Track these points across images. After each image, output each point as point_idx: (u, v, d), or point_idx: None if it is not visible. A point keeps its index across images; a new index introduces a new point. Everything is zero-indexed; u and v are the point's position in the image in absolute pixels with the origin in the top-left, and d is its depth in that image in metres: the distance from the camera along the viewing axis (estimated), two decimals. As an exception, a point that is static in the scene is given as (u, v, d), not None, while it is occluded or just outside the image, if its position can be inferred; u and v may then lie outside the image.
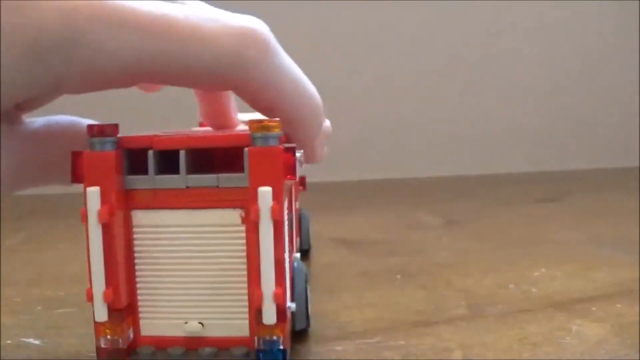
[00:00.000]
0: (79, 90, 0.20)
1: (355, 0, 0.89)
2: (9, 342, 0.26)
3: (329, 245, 0.46)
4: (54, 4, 0.18)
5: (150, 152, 0.21)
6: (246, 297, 0.21)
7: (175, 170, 0.21)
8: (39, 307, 0.31)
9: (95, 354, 0.22)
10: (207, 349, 0.21)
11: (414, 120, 0.94)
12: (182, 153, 0.21)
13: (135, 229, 0.21)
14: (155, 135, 0.21)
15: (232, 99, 0.27)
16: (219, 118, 0.27)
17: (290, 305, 0.22)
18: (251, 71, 0.21)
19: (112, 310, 0.20)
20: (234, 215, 0.21)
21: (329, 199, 0.71)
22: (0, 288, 0.35)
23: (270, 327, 0.20)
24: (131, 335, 0.22)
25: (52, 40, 0.18)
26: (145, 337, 0.22)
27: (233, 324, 0.21)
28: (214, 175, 0.21)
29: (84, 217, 0.20)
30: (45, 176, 0.22)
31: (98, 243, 0.20)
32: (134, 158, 0.21)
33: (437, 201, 0.70)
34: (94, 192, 0.20)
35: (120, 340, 0.21)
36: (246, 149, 0.20)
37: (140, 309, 0.22)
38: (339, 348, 0.25)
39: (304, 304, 0.24)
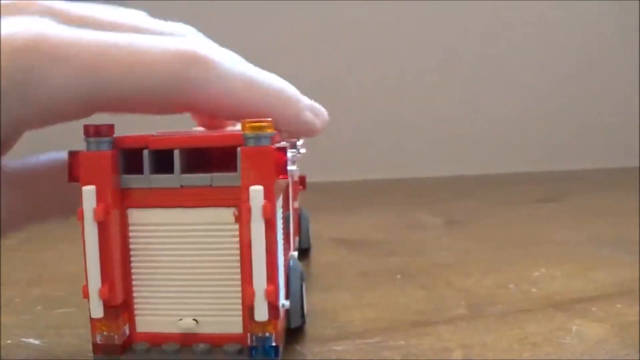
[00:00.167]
0: (39, 126, 0.20)
1: (356, 1, 0.89)
2: (9, 342, 0.26)
3: (329, 245, 0.46)
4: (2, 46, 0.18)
5: (145, 152, 0.21)
6: (239, 295, 0.21)
7: (171, 170, 0.21)
8: (39, 307, 0.31)
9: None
10: (201, 346, 0.22)
11: (414, 120, 0.94)
12: (176, 153, 0.21)
13: (130, 227, 0.22)
14: (151, 136, 0.22)
15: None
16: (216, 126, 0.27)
17: (284, 302, 0.22)
18: (198, 90, 0.21)
19: (107, 307, 0.21)
20: (227, 214, 0.21)
21: (329, 199, 0.71)
22: (0, 288, 0.35)
23: (262, 324, 0.21)
24: (127, 332, 0.22)
25: (7, 82, 0.18)
26: (140, 333, 0.22)
27: (227, 320, 0.22)
28: (208, 175, 0.21)
29: (80, 216, 0.20)
30: (35, 216, 0.23)
31: (94, 241, 0.20)
32: (131, 158, 0.22)
33: (437, 201, 0.70)
34: (89, 191, 0.20)
35: (116, 337, 0.21)
36: (239, 149, 0.21)
37: (135, 306, 0.22)
38: (339, 348, 0.25)
39: (299, 301, 0.25)
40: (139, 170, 0.21)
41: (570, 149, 0.99)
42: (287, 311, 0.24)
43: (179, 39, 0.22)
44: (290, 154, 0.21)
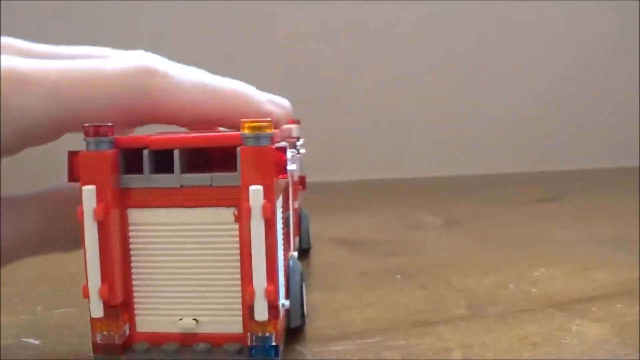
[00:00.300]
0: (15, 149, 0.22)
1: (356, 1, 0.89)
2: (9, 342, 0.26)
3: (329, 245, 0.46)
4: None
5: (145, 152, 0.21)
6: (239, 294, 0.21)
7: (170, 170, 0.21)
8: (39, 307, 0.31)
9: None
10: (201, 345, 0.22)
11: (414, 120, 0.94)
12: (176, 153, 0.21)
13: (130, 227, 0.22)
14: (150, 136, 0.22)
15: None
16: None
17: (284, 302, 0.22)
18: (156, 97, 0.22)
19: (107, 306, 0.21)
20: (227, 214, 0.21)
21: (329, 199, 0.71)
22: (0, 288, 0.35)
23: (262, 323, 0.21)
24: (127, 332, 0.22)
25: None
26: (140, 333, 0.22)
27: (226, 320, 0.22)
28: (208, 175, 0.21)
29: (80, 215, 0.20)
30: (36, 248, 0.24)
31: (94, 240, 0.20)
32: (130, 157, 0.22)
33: (437, 201, 0.70)
34: (89, 191, 0.20)
35: (116, 336, 0.21)
36: (238, 148, 0.21)
37: (135, 306, 0.22)
38: (339, 348, 0.25)
39: (299, 301, 0.25)
40: (139, 170, 0.21)
41: (570, 149, 0.99)
42: (287, 311, 0.24)
43: (134, 57, 0.23)
44: (290, 153, 0.21)
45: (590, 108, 1.00)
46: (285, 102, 0.27)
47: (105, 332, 0.21)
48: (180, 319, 0.22)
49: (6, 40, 0.23)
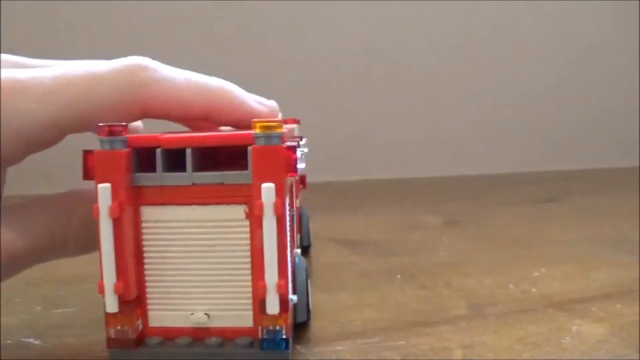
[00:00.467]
0: (19, 156, 0.23)
1: (355, 0, 0.89)
2: (9, 342, 0.26)
3: (329, 245, 0.46)
4: None
5: (158, 151, 0.22)
6: (250, 289, 0.22)
7: (181, 168, 0.22)
8: (39, 307, 0.31)
9: (95, 353, 0.23)
10: (213, 339, 0.22)
11: (414, 121, 0.94)
12: (188, 151, 0.22)
13: (143, 224, 0.22)
14: (163, 135, 0.22)
15: None
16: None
17: (292, 297, 0.23)
18: (147, 90, 0.23)
19: (122, 301, 0.21)
20: (238, 211, 0.22)
21: (329, 199, 0.71)
22: (0, 288, 0.35)
23: (273, 317, 0.21)
24: (140, 326, 0.22)
25: None
26: (152, 328, 0.23)
27: (237, 314, 0.22)
28: (219, 173, 0.22)
29: (96, 213, 0.20)
30: (44, 255, 0.24)
31: (109, 237, 0.21)
32: (141, 156, 0.22)
33: (437, 201, 0.70)
34: (105, 189, 0.21)
35: (130, 331, 0.22)
36: (250, 147, 0.21)
37: (148, 301, 0.23)
38: (339, 348, 0.25)
39: (304, 297, 0.25)
40: (149, 169, 0.22)
41: (570, 149, 0.99)
42: (294, 306, 0.25)
43: (125, 58, 0.24)
44: (299, 152, 0.22)
45: (591, 108, 1.00)
46: (271, 102, 0.28)
47: (119, 327, 0.22)
48: (192, 314, 0.22)
49: (4, 56, 0.24)
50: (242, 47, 0.85)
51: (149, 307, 0.23)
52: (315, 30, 0.89)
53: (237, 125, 0.26)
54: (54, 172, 0.73)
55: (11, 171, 0.24)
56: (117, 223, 0.21)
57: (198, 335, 0.22)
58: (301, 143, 0.29)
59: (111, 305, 0.21)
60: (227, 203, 0.22)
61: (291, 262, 0.24)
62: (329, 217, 0.56)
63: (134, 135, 0.22)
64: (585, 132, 1.00)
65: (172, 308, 0.23)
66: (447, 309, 0.30)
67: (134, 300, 0.22)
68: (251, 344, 0.22)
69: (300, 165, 0.22)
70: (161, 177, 0.22)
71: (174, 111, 0.24)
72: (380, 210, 0.64)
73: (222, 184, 0.22)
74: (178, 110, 0.24)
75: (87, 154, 0.21)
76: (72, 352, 0.25)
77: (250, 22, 0.86)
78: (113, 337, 0.22)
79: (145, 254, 0.22)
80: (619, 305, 0.30)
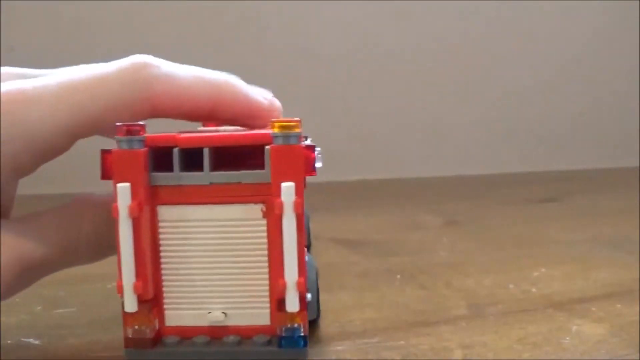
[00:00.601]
0: (31, 165, 0.23)
1: (355, 0, 0.89)
2: (9, 342, 0.26)
3: (329, 245, 0.46)
4: None
5: (176, 150, 0.22)
6: (267, 288, 0.22)
7: (195, 167, 0.22)
8: (39, 307, 0.31)
9: (95, 353, 0.23)
10: (231, 337, 0.22)
11: (414, 120, 0.94)
12: (206, 151, 0.22)
13: (160, 224, 0.22)
14: (180, 134, 0.22)
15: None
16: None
17: (307, 295, 0.22)
18: (154, 86, 0.23)
19: (140, 301, 0.21)
20: (255, 210, 0.22)
21: (329, 199, 0.71)
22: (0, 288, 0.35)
23: (292, 314, 0.22)
24: (157, 326, 0.22)
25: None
26: (169, 327, 0.23)
27: (254, 313, 0.23)
28: (237, 172, 0.22)
29: (115, 212, 0.21)
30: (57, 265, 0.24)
31: (129, 237, 0.21)
32: (157, 155, 0.22)
33: (437, 201, 0.70)
34: (125, 188, 0.21)
35: (147, 330, 0.22)
36: (267, 147, 0.21)
37: (165, 300, 0.23)
38: (339, 348, 0.25)
39: (315, 295, 0.25)
40: (165, 168, 0.22)
41: (570, 149, 0.99)
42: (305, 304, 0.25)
43: (127, 57, 0.24)
44: (316, 151, 0.22)
45: (591, 108, 1.00)
46: (273, 99, 0.27)
47: (136, 327, 0.22)
48: (209, 313, 0.23)
49: (4, 69, 0.24)
50: (241, 46, 0.85)
51: (165, 306, 0.23)
52: (315, 30, 0.89)
53: (240, 121, 0.26)
54: (54, 172, 0.73)
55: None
56: (136, 222, 0.21)
57: (215, 334, 0.23)
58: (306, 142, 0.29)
59: (130, 304, 0.21)
60: (244, 202, 0.22)
61: None
62: (329, 217, 0.56)
63: (152, 135, 0.22)
64: (585, 131, 1.00)
65: (189, 307, 0.23)
66: (447, 309, 0.30)
67: (151, 300, 0.22)
68: (269, 342, 0.22)
69: (318, 165, 0.22)
70: (178, 177, 0.22)
71: (182, 107, 0.24)
72: (380, 210, 0.64)
73: (239, 183, 0.22)
74: (185, 106, 0.24)
75: (105, 153, 0.21)
76: (72, 352, 0.25)
77: (250, 21, 0.86)
78: (130, 336, 0.22)
79: (162, 254, 0.22)
80: (619, 305, 0.30)
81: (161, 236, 0.22)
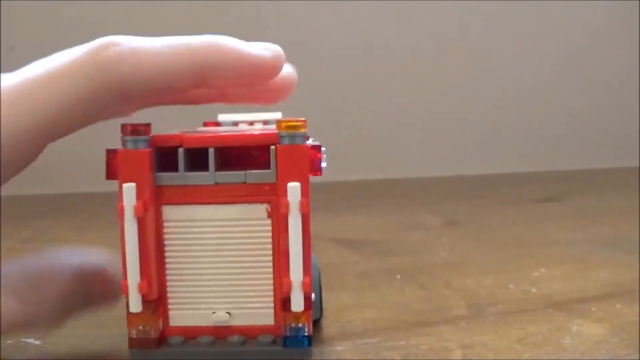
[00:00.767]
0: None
1: (355, 0, 0.89)
2: (9, 342, 0.26)
3: (329, 245, 0.46)
4: None
5: (181, 150, 0.22)
6: (271, 287, 0.22)
7: (199, 167, 0.22)
8: (39, 307, 0.31)
9: (95, 353, 0.23)
10: (236, 337, 0.22)
11: (414, 120, 0.94)
12: (211, 151, 0.22)
13: (165, 224, 0.22)
14: (184, 134, 0.22)
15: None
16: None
17: (312, 295, 0.23)
18: (116, 66, 0.20)
19: (144, 301, 0.21)
20: (260, 210, 0.22)
21: (329, 199, 0.71)
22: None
23: (296, 314, 0.22)
24: (161, 326, 0.23)
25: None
26: (173, 327, 0.23)
27: (259, 312, 0.23)
28: (242, 172, 0.22)
29: (121, 212, 0.21)
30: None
31: (134, 237, 0.21)
32: (161, 155, 0.22)
33: (437, 201, 0.70)
34: (130, 188, 0.21)
35: (152, 331, 0.22)
36: (272, 147, 0.21)
37: (169, 301, 0.23)
38: (339, 348, 0.25)
39: (318, 295, 0.25)
40: (170, 168, 0.22)
41: (570, 149, 0.99)
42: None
43: (89, 42, 0.21)
44: (322, 151, 0.22)
45: (591, 108, 1.00)
46: (275, 47, 0.24)
47: (141, 327, 0.22)
48: (214, 313, 0.23)
49: None
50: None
51: (170, 306, 0.23)
52: (315, 30, 0.89)
53: (240, 83, 0.23)
54: (54, 172, 0.73)
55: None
56: (141, 223, 0.21)
57: (219, 334, 0.23)
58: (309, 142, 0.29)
59: (135, 305, 0.21)
60: (249, 202, 0.22)
61: None
62: (329, 217, 0.56)
63: (157, 134, 0.22)
64: (585, 131, 1.00)
65: (193, 307, 0.23)
66: (447, 309, 0.30)
67: (155, 300, 0.22)
68: (273, 342, 0.22)
69: (323, 165, 0.22)
70: (184, 177, 0.22)
71: (159, 83, 0.21)
72: (380, 210, 0.64)
73: (244, 183, 0.22)
74: (161, 82, 0.21)
75: (110, 153, 0.21)
76: (72, 352, 0.25)
77: (249, 21, 0.86)
78: (135, 337, 0.22)
79: (166, 254, 0.22)
80: (619, 305, 0.30)
81: (166, 236, 0.22)
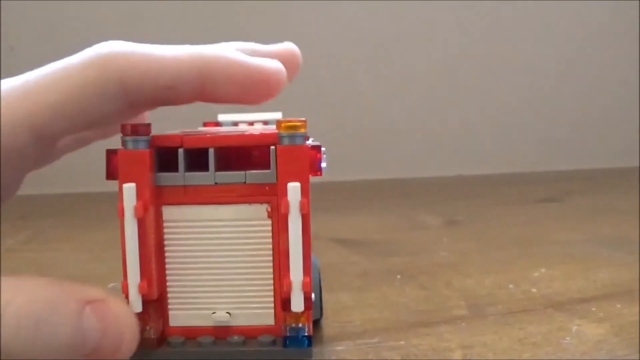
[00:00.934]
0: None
1: (355, 0, 0.89)
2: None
3: (329, 246, 0.46)
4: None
5: (181, 150, 0.22)
6: (271, 288, 0.22)
7: (200, 167, 0.22)
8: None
9: None
10: (236, 337, 0.22)
11: (414, 121, 0.94)
12: (211, 151, 0.22)
13: (165, 224, 0.22)
14: (185, 134, 0.22)
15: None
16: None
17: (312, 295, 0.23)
18: (120, 60, 0.21)
19: (144, 301, 0.21)
20: (260, 210, 0.22)
21: (329, 199, 0.71)
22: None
23: (296, 314, 0.22)
24: (161, 326, 0.23)
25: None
26: (173, 327, 0.23)
27: (259, 313, 0.23)
28: (242, 172, 0.22)
29: (121, 213, 0.21)
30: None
31: (134, 237, 0.21)
32: (160, 155, 0.22)
33: (437, 201, 0.70)
34: (130, 188, 0.21)
35: (152, 331, 0.22)
36: (272, 147, 0.21)
37: (169, 301, 0.23)
38: (339, 348, 0.25)
39: (318, 295, 0.26)
40: (169, 168, 0.22)
41: (570, 149, 0.99)
42: None
43: (89, 51, 0.21)
44: (323, 151, 0.22)
45: (591, 108, 1.00)
46: (278, 63, 0.23)
47: (141, 327, 0.22)
48: (214, 313, 0.23)
49: None
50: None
51: (170, 306, 0.23)
52: (314, 30, 0.89)
53: (242, 95, 0.23)
54: (54, 172, 0.73)
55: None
56: (141, 223, 0.21)
57: (219, 334, 0.23)
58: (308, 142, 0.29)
59: (135, 305, 0.21)
60: (249, 202, 0.22)
61: None
62: (329, 217, 0.56)
63: (157, 134, 0.22)
64: (585, 131, 1.00)
65: (193, 307, 0.23)
66: (447, 309, 0.30)
67: (155, 300, 0.22)
68: (274, 342, 0.22)
69: (324, 165, 0.22)
70: (183, 177, 0.22)
71: (160, 80, 0.21)
72: (381, 210, 0.64)
73: (244, 183, 0.22)
74: (164, 78, 0.21)
75: (110, 153, 0.21)
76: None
77: (248, 21, 0.86)
78: None
79: (166, 254, 0.23)
80: (619, 305, 0.30)
81: (166, 236, 0.22)
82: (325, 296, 0.32)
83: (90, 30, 0.80)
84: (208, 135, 0.22)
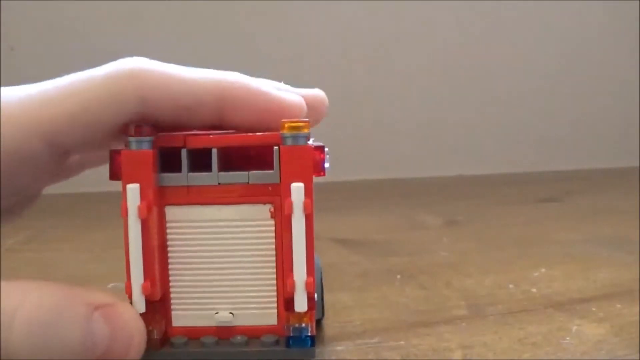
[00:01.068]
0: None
1: (355, 0, 0.89)
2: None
3: (329, 246, 0.46)
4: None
5: (184, 151, 0.22)
6: (274, 288, 0.22)
7: (203, 168, 0.22)
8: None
9: None
10: (239, 338, 0.22)
11: (414, 121, 0.94)
12: (214, 151, 0.22)
13: (168, 224, 0.22)
14: (188, 135, 0.22)
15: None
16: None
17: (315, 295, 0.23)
18: (142, 75, 0.21)
19: (148, 302, 0.21)
20: (263, 210, 0.22)
21: (329, 199, 0.71)
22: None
23: (300, 314, 0.22)
24: (164, 326, 0.23)
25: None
26: (176, 327, 0.23)
27: (262, 313, 0.23)
28: (245, 172, 0.22)
29: (124, 213, 0.21)
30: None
31: (137, 238, 0.21)
32: (163, 156, 0.22)
33: (437, 201, 0.70)
34: (134, 189, 0.21)
35: (155, 331, 0.22)
36: (276, 147, 0.21)
37: (172, 301, 0.23)
38: (339, 348, 0.25)
39: (320, 295, 0.26)
40: (172, 169, 0.22)
41: (570, 149, 0.99)
42: None
43: (113, 64, 0.21)
44: (326, 152, 0.22)
45: (591, 108, 1.00)
46: (294, 94, 0.24)
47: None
48: (217, 313, 0.23)
49: None
50: (239, 46, 0.85)
51: (173, 307, 0.23)
52: (314, 31, 0.89)
53: (260, 123, 0.23)
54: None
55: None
56: (144, 223, 0.21)
57: (222, 334, 0.23)
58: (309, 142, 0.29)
59: (138, 305, 0.21)
60: (253, 202, 0.22)
61: None
62: (329, 217, 0.56)
63: (160, 135, 0.22)
64: (584, 131, 1.00)
65: (196, 307, 0.23)
66: (447, 309, 0.30)
67: (158, 301, 0.22)
68: (277, 342, 0.22)
69: (327, 165, 0.22)
70: (187, 177, 0.22)
71: (178, 98, 0.21)
72: (381, 210, 0.64)
73: (247, 183, 0.22)
74: (182, 96, 0.21)
75: (114, 154, 0.21)
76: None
77: (248, 21, 0.86)
78: None
79: (169, 254, 0.23)
80: (619, 305, 0.30)
81: (169, 237, 0.22)
82: (325, 296, 0.32)
83: (90, 30, 0.80)
84: (211, 136, 0.22)
